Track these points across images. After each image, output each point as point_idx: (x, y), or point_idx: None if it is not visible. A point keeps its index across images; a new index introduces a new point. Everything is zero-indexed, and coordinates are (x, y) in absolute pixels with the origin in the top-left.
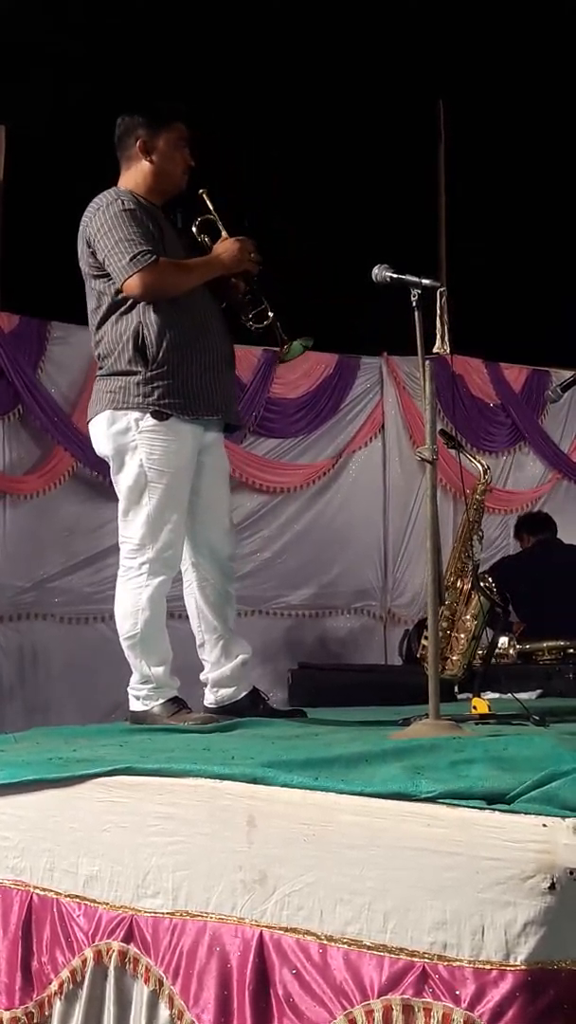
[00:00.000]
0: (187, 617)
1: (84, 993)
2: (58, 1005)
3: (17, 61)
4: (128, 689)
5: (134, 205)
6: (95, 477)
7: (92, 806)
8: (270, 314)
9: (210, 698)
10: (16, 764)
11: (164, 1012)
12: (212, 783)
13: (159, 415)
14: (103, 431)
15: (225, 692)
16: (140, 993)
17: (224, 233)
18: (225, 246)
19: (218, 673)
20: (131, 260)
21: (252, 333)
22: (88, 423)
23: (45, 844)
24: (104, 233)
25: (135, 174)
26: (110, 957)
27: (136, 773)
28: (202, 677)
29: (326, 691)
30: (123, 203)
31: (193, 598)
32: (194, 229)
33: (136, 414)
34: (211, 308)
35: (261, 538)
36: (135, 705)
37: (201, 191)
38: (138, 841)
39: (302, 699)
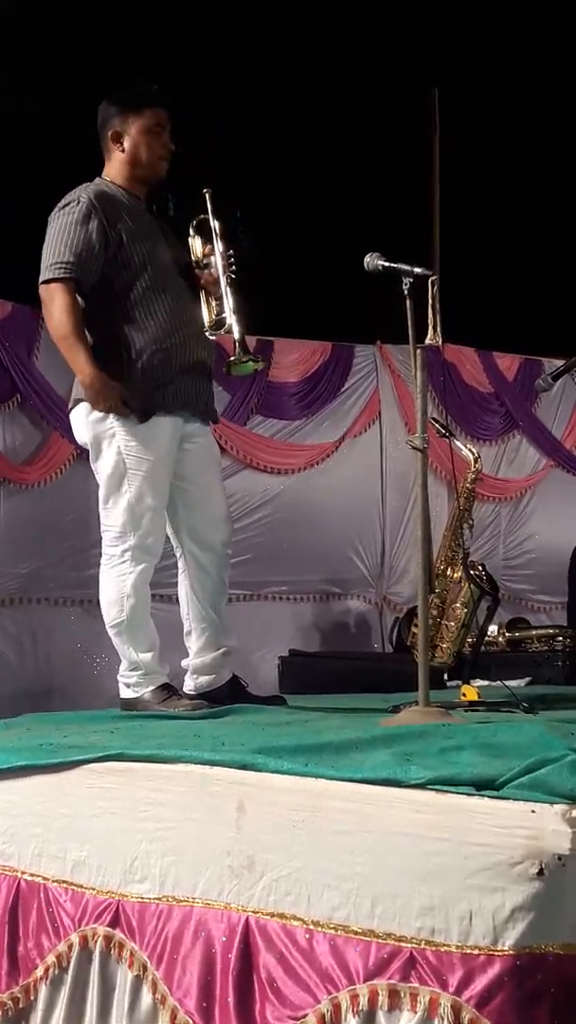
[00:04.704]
0: (176, 601)
1: (69, 978)
2: (43, 990)
3: (8, 52)
4: (118, 676)
5: (92, 209)
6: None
7: (83, 792)
8: (235, 333)
9: (189, 684)
10: (6, 750)
11: (147, 997)
12: (202, 769)
13: (140, 415)
14: (82, 420)
15: (205, 679)
16: (124, 978)
17: (214, 245)
18: (99, 382)
19: (199, 661)
20: (51, 265)
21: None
22: (68, 412)
23: (35, 829)
24: (49, 231)
25: (114, 163)
26: (95, 942)
27: (127, 759)
28: (184, 664)
29: (316, 678)
30: (78, 210)
31: (185, 586)
32: (191, 229)
33: None
34: (191, 308)
35: (258, 524)
36: (125, 692)
37: (205, 191)
38: (128, 827)
39: (292, 686)
